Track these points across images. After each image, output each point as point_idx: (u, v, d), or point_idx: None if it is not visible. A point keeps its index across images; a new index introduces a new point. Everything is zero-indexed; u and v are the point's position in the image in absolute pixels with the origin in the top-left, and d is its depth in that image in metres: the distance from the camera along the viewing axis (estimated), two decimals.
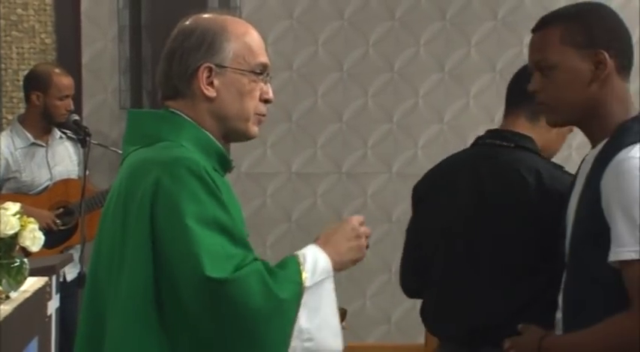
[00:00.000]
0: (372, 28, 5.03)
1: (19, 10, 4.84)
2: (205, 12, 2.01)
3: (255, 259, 1.82)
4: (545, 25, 2.01)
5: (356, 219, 1.96)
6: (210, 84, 1.92)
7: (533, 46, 2.03)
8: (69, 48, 4.89)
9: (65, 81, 4.33)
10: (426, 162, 5.07)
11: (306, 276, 1.83)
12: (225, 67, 1.91)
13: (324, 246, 1.90)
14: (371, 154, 5.09)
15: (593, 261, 1.90)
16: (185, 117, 1.93)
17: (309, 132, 5.06)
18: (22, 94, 4.51)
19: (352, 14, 5.04)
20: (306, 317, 1.82)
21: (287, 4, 5.02)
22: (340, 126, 5.09)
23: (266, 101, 1.97)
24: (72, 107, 4.32)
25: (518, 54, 4.96)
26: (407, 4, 5.03)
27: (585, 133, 2.03)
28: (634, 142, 1.90)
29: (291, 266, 1.84)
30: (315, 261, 1.86)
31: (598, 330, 1.89)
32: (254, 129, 1.96)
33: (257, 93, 1.95)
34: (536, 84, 2.02)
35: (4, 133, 4.37)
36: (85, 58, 4.95)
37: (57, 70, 4.39)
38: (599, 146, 1.99)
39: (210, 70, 1.91)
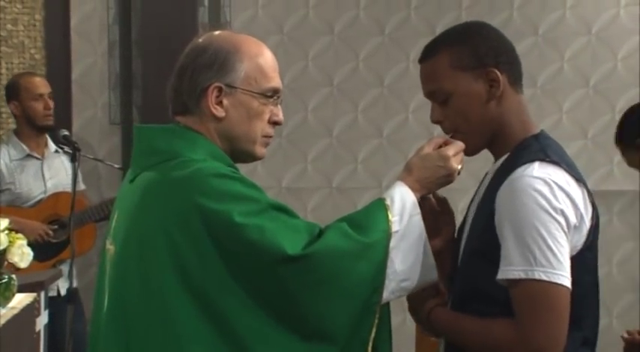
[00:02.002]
0: (362, 44, 5.05)
1: (9, 26, 4.84)
2: (221, 29, 2.00)
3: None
4: (432, 53, 1.99)
5: (452, 153, 1.96)
6: (220, 103, 1.89)
7: (425, 77, 2.03)
8: (59, 63, 4.89)
9: (34, 80, 4.32)
10: None
11: (395, 220, 1.85)
12: (235, 87, 1.89)
13: (413, 182, 1.92)
14: (361, 169, 5.10)
15: (483, 274, 1.91)
16: (195, 131, 1.90)
17: (300, 147, 5.07)
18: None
19: (342, 29, 5.06)
20: (400, 259, 1.84)
21: (277, 19, 5.04)
22: (330, 141, 5.10)
23: (275, 123, 1.95)
24: (50, 106, 4.29)
25: None
26: (397, 20, 5.04)
27: (489, 149, 2.05)
28: (532, 160, 1.91)
29: (377, 213, 1.86)
30: (402, 202, 1.88)
31: (481, 323, 1.92)
32: (261, 150, 1.95)
33: (266, 116, 1.92)
34: (437, 115, 2.03)
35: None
36: (75, 74, 4.95)
37: (26, 74, 4.40)
38: (501, 160, 2.01)
39: (220, 89, 1.89)
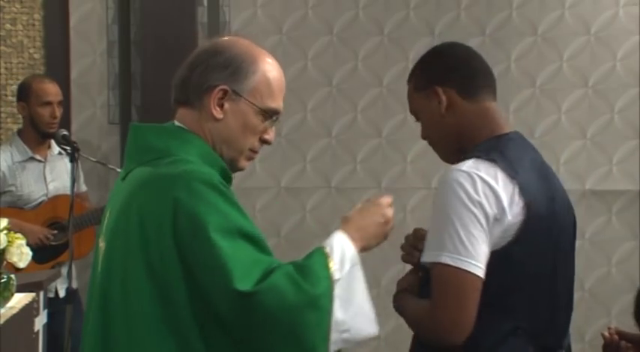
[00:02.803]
0: (361, 44, 5.05)
1: (8, 26, 4.84)
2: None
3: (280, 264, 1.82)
4: (408, 78, 2.27)
5: (386, 202, 2.00)
6: (221, 106, 1.91)
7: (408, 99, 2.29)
8: (58, 63, 4.89)
9: (45, 87, 4.30)
10: (414, 177, 5.08)
11: (335, 268, 1.84)
12: (240, 96, 1.91)
13: (352, 231, 1.92)
14: (360, 169, 5.10)
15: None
16: (191, 132, 1.92)
17: (299, 147, 5.06)
18: (10, 109, 4.50)
19: (341, 29, 5.06)
20: (339, 308, 1.83)
21: (276, 20, 5.04)
22: (329, 140, 5.09)
23: (265, 142, 1.97)
24: (58, 114, 4.28)
25: (506, 69, 4.98)
26: (396, 20, 5.04)
27: (462, 154, 2.19)
28: (470, 157, 2.10)
29: (319, 261, 1.84)
30: (342, 251, 1.87)
31: (419, 305, 2.13)
32: (244, 163, 1.97)
33: (259, 132, 1.95)
34: (421, 132, 2.28)
35: (3, 146, 4.37)
36: (74, 73, 4.95)
37: (39, 78, 4.39)
38: None
39: (225, 92, 1.91)
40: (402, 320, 4.77)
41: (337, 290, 1.82)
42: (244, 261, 1.77)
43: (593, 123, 5.06)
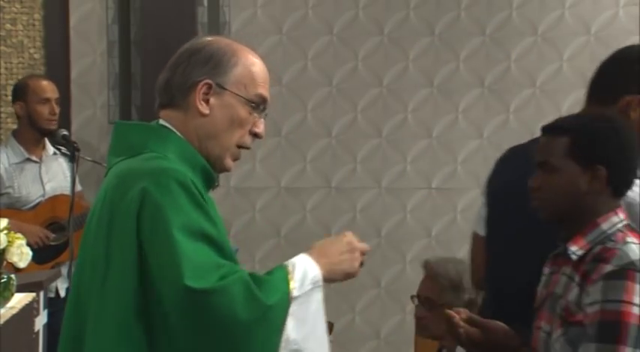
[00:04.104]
0: (361, 44, 5.04)
1: (8, 26, 4.84)
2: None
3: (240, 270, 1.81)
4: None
5: (351, 235, 1.96)
6: (206, 101, 1.91)
7: None
8: (58, 63, 4.89)
9: (43, 84, 4.30)
10: (415, 176, 5.08)
11: (295, 286, 1.82)
12: (225, 88, 1.91)
13: (316, 255, 1.89)
14: (360, 169, 5.09)
15: None
16: (173, 130, 1.93)
17: (299, 147, 5.06)
18: (10, 109, 4.49)
19: (341, 29, 5.06)
20: (293, 327, 1.80)
21: (276, 20, 5.04)
22: (329, 140, 5.09)
23: (255, 135, 1.96)
24: (56, 111, 4.28)
25: (506, 69, 4.98)
26: (396, 20, 5.04)
27: None
28: None
29: (278, 275, 1.82)
30: (304, 270, 1.85)
31: None
32: (229, 162, 1.95)
33: (248, 125, 1.94)
34: None
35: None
36: (74, 73, 4.95)
37: (35, 77, 4.38)
38: None
39: (209, 86, 1.91)
40: (401, 321, 4.78)
41: (293, 308, 1.80)
42: (201, 261, 1.75)
43: None
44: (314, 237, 5.06)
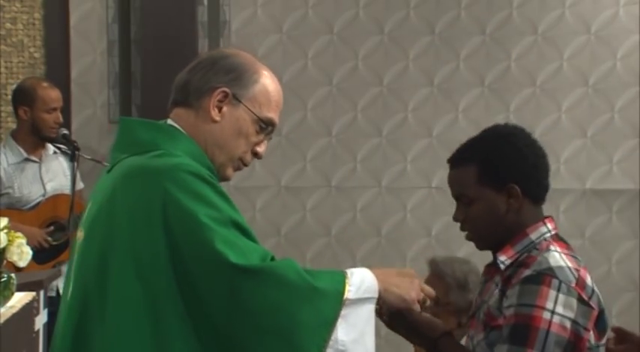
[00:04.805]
0: (361, 43, 5.04)
1: (8, 25, 4.84)
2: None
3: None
4: None
5: (414, 272, 1.98)
6: (220, 109, 1.93)
7: None
8: (58, 62, 4.89)
9: (51, 93, 4.30)
10: (415, 176, 5.08)
11: (350, 289, 1.82)
12: (240, 101, 1.93)
13: (376, 272, 1.90)
14: (360, 168, 5.10)
15: None
16: (182, 131, 1.93)
17: (299, 146, 5.06)
18: (10, 108, 4.49)
19: (341, 29, 5.06)
20: (343, 329, 1.80)
21: (276, 19, 5.04)
22: (329, 140, 5.09)
23: (255, 154, 1.98)
24: (61, 120, 4.29)
25: (506, 68, 4.99)
26: (396, 19, 5.04)
27: None
28: None
29: (336, 276, 1.83)
30: (362, 278, 1.86)
31: None
32: (231, 172, 1.97)
33: (252, 142, 1.96)
34: None
35: None
36: (74, 72, 4.95)
37: (43, 84, 4.37)
38: None
39: (226, 95, 1.93)
40: None
41: (345, 311, 1.80)
42: (239, 245, 1.76)
43: (593, 122, 5.06)
44: (314, 236, 5.08)
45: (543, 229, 2.18)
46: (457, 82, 5.04)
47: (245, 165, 1.98)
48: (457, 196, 2.22)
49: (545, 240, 2.16)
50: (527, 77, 5.02)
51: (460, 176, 2.21)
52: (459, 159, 2.25)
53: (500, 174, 2.17)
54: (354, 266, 5.41)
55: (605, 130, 5.05)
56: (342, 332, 1.80)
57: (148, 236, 1.79)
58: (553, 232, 2.18)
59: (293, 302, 1.75)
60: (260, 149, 1.97)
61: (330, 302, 1.79)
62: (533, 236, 2.16)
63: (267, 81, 1.97)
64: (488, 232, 2.18)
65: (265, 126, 1.96)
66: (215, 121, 1.92)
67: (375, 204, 5.07)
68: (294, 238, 5.00)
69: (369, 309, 1.85)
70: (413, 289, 1.94)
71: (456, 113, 5.04)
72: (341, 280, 1.82)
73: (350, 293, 1.81)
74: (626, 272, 5.05)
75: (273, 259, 1.80)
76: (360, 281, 1.84)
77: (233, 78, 1.93)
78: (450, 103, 5.04)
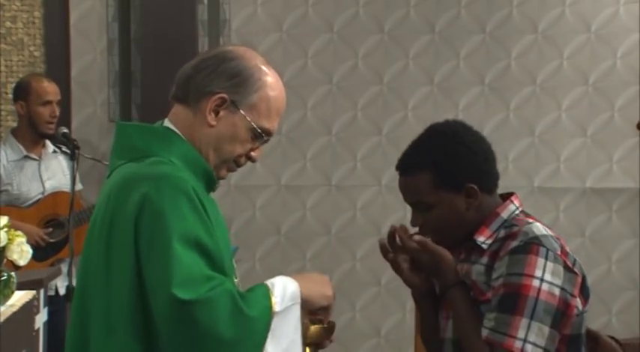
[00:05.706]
0: (361, 41, 5.04)
1: (8, 23, 4.84)
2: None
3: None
4: None
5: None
6: (216, 113, 1.92)
7: None
8: (58, 61, 4.89)
9: (45, 86, 4.29)
10: None
11: (276, 301, 1.83)
12: (238, 108, 1.93)
13: (294, 276, 1.92)
14: (360, 167, 5.10)
15: None
16: (178, 133, 1.94)
17: (299, 145, 5.06)
18: (10, 107, 4.49)
19: (341, 27, 5.06)
20: (270, 342, 1.82)
21: (276, 17, 5.03)
22: (330, 138, 5.09)
23: (249, 158, 1.98)
24: (57, 113, 4.28)
25: (506, 67, 4.98)
26: (396, 18, 5.04)
27: None
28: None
29: (260, 291, 1.84)
30: (283, 286, 1.87)
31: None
32: (224, 172, 1.98)
33: (247, 147, 1.96)
34: None
35: None
36: (74, 71, 4.95)
37: (38, 77, 4.38)
38: None
39: (224, 101, 1.92)
40: (401, 319, 4.79)
41: (273, 324, 1.82)
42: (193, 272, 1.76)
43: (593, 121, 5.05)
44: (314, 235, 5.08)
45: (512, 207, 2.23)
46: (457, 81, 5.04)
47: (239, 166, 1.99)
48: (413, 203, 2.23)
49: (517, 215, 2.22)
50: (527, 76, 5.02)
51: (414, 184, 2.21)
52: (410, 166, 2.24)
53: (456, 177, 2.19)
54: (355, 264, 5.40)
55: (605, 129, 5.05)
56: (271, 346, 1.82)
57: (120, 237, 1.82)
58: (521, 209, 2.25)
59: (227, 337, 1.75)
60: (255, 154, 1.98)
61: (263, 325, 1.80)
62: (504, 214, 2.21)
63: (270, 88, 1.96)
64: (451, 232, 2.21)
65: (260, 135, 1.96)
66: (211, 126, 1.93)
67: (375, 203, 5.07)
68: (294, 237, 5.00)
69: (296, 316, 1.87)
70: (327, 285, 1.95)
71: (456, 112, 5.04)
72: (265, 293, 1.83)
73: (276, 305, 1.83)
74: (626, 271, 5.05)
75: (221, 285, 1.78)
76: (283, 290, 1.86)
77: (235, 84, 1.92)
78: (450, 102, 5.04)
